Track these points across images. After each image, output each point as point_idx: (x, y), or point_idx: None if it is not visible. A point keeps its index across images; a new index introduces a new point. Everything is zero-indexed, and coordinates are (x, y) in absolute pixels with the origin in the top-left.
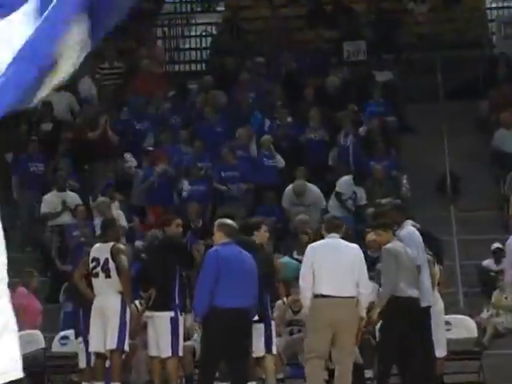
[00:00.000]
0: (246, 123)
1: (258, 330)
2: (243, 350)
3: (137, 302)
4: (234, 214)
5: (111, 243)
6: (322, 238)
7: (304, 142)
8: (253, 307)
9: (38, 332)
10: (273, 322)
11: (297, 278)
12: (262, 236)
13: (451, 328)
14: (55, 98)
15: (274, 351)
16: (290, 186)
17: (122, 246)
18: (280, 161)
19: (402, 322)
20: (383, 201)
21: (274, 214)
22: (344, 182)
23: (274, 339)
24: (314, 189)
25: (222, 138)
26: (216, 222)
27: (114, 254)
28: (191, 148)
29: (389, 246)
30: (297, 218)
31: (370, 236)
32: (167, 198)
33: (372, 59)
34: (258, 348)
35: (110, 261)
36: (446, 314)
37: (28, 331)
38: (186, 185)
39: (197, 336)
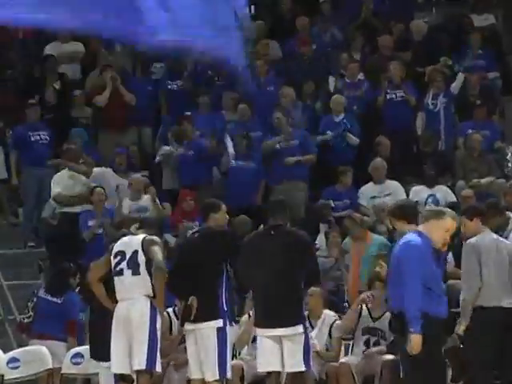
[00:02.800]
0: (307, 81)
1: None
2: None
3: (170, 309)
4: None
5: (142, 235)
6: None
7: (381, 105)
8: None
9: (43, 349)
10: None
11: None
12: None
13: None
14: (60, 49)
15: None
16: (370, 184)
17: (156, 238)
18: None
19: (489, 339)
20: (483, 180)
21: (344, 198)
22: (417, 190)
23: None
24: (392, 181)
25: (275, 99)
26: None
27: (146, 245)
28: (236, 114)
29: (472, 239)
30: (374, 202)
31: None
32: (205, 176)
33: None
34: None
35: (140, 253)
36: None
37: (30, 347)
38: (232, 160)
39: (246, 353)
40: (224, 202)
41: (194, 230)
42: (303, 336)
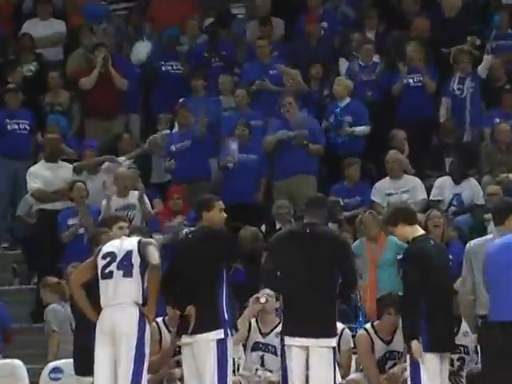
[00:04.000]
0: (315, 63)
1: None
2: None
3: (159, 319)
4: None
5: (137, 237)
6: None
7: (398, 91)
8: None
9: (18, 362)
10: None
11: None
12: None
13: None
14: (39, 28)
15: None
16: (386, 179)
17: (153, 240)
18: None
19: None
20: (511, 175)
21: (354, 195)
22: (440, 185)
23: None
24: (410, 177)
25: (278, 84)
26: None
27: (143, 246)
28: (235, 99)
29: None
30: (390, 199)
31: None
32: (202, 169)
33: None
34: None
35: (136, 253)
36: None
37: (3, 361)
38: (233, 147)
39: (244, 367)
40: (221, 199)
41: (188, 231)
42: (333, 351)
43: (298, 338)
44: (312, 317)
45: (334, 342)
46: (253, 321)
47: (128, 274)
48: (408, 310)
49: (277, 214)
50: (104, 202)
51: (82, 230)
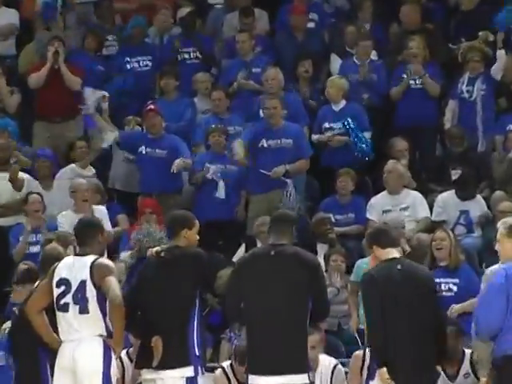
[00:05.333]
0: (302, 60)
1: None
2: None
3: (123, 352)
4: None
5: (91, 257)
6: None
7: (398, 94)
8: None
9: None
10: None
11: None
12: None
13: None
14: None
15: None
16: (383, 194)
17: (109, 262)
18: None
19: None
20: None
21: (347, 211)
22: (443, 203)
23: None
24: (411, 191)
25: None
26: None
27: (96, 273)
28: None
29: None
30: (387, 217)
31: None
32: (172, 181)
33: None
34: None
35: (89, 284)
36: None
37: None
38: (211, 168)
39: None
40: (195, 216)
41: (159, 250)
42: None
43: (261, 377)
44: (278, 351)
45: (305, 378)
46: (230, 375)
47: (84, 310)
48: (369, 337)
49: (258, 232)
50: (59, 218)
51: (36, 249)
